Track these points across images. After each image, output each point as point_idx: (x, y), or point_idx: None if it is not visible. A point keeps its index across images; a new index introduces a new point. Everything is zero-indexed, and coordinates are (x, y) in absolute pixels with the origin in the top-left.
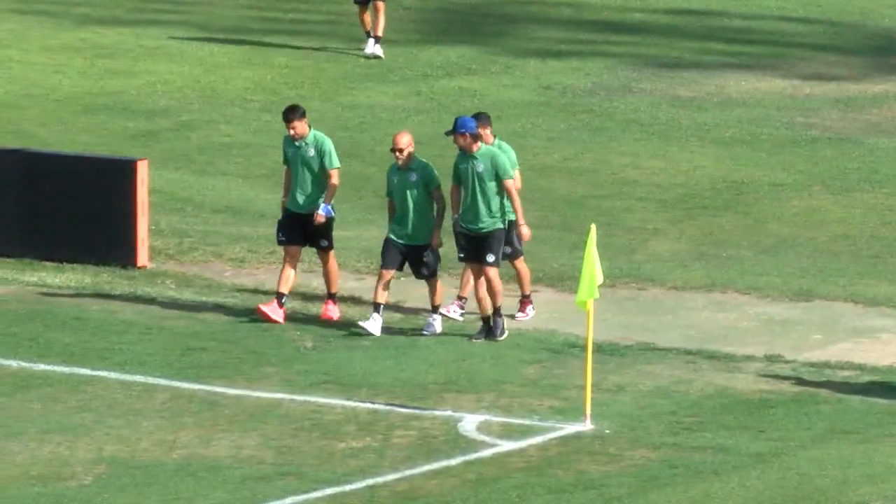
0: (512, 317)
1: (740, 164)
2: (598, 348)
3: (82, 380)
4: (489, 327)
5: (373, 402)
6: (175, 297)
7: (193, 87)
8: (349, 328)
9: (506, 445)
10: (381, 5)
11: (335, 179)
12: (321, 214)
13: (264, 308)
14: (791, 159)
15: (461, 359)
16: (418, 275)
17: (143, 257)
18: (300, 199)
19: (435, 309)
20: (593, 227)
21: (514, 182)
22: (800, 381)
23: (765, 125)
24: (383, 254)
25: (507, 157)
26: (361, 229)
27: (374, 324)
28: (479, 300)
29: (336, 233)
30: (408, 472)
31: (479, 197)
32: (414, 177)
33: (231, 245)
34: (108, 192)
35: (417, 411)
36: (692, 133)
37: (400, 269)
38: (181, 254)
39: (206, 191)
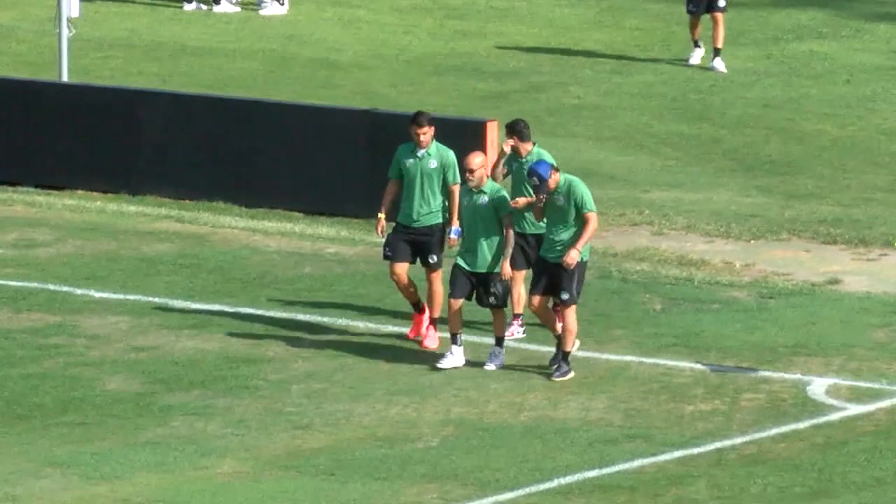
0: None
1: None
2: None
3: None
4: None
5: (721, 365)
6: None
7: (544, 49)
8: (696, 296)
9: (854, 409)
10: (719, 16)
11: (457, 196)
12: (454, 238)
13: (428, 343)
14: None
15: (811, 322)
16: (484, 304)
17: None
18: (415, 213)
19: (499, 341)
20: None
21: (595, 216)
22: None
23: None
24: (451, 282)
25: (545, 158)
26: (711, 192)
27: (453, 358)
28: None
29: (686, 195)
30: (756, 436)
31: (558, 226)
32: (485, 199)
33: None
34: (457, 153)
35: (766, 374)
36: None
37: (469, 298)
38: None
39: (555, 152)
